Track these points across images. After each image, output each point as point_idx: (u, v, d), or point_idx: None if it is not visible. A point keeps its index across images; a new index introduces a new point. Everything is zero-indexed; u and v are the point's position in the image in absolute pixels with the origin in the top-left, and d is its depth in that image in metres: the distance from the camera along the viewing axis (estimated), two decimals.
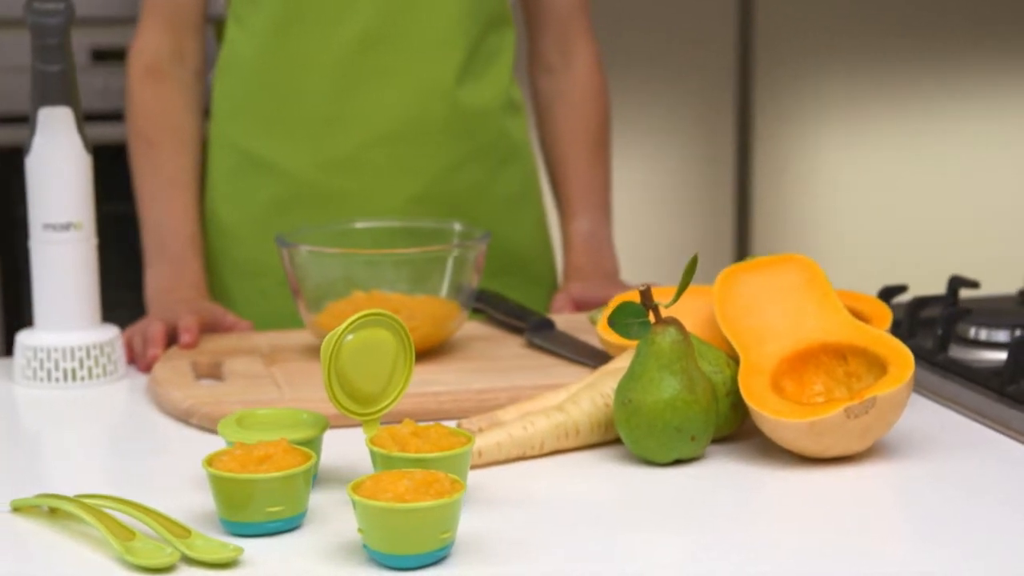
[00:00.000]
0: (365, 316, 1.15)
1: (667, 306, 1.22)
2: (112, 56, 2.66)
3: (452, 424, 1.25)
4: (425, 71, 1.74)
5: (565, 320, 1.61)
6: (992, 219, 3.41)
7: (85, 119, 1.49)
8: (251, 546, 1.05)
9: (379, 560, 1.02)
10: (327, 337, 1.13)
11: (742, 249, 3.36)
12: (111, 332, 1.51)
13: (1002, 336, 1.45)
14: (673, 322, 1.21)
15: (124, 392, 1.49)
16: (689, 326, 1.29)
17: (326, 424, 1.19)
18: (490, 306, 1.62)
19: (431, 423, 1.15)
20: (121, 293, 2.01)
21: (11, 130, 2.64)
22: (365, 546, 1.03)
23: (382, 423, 1.17)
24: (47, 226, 1.48)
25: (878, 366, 1.23)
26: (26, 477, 1.25)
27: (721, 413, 1.25)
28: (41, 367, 1.48)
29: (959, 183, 3.40)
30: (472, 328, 1.59)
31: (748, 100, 3.31)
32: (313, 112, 1.75)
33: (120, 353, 1.51)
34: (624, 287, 1.74)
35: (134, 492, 1.13)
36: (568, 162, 1.84)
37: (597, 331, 1.40)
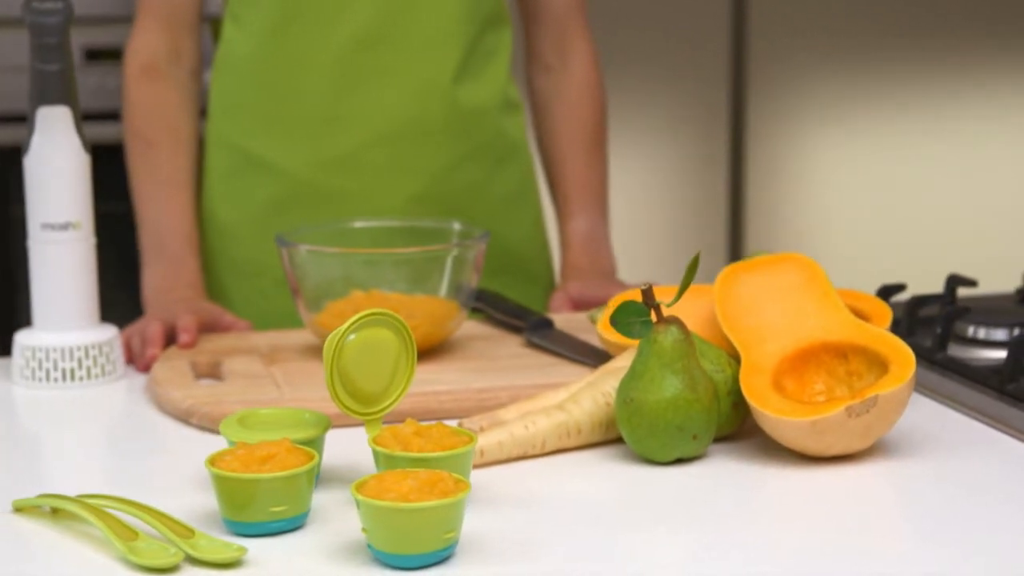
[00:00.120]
0: (367, 316, 1.15)
1: (669, 305, 1.22)
2: (106, 55, 2.65)
3: (453, 424, 1.25)
4: (423, 70, 1.74)
5: (564, 319, 1.61)
6: (987, 218, 3.42)
7: None
8: (254, 546, 1.05)
9: (383, 560, 1.02)
10: (329, 337, 1.13)
11: (736, 248, 3.36)
12: (110, 332, 1.50)
13: (1001, 335, 1.45)
14: (675, 321, 1.21)
15: (123, 392, 1.49)
16: (689, 325, 1.29)
17: (328, 424, 1.19)
18: (489, 305, 1.62)
19: (433, 422, 1.15)
20: (117, 292, 2.01)
21: (9, 129, 2.63)
22: (369, 546, 1.03)
23: (384, 423, 1.17)
24: (46, 226, 1.47)
25: (879, 365, 1.23)
26: (26, 477, 1.25)
27: (722, 412, 1.25)
28: (40, 367, 1.48)
29: (953, 182, 3.41)
30: (471, 328, 1.59)
31: (742, 99, 3.31)
32: (311, 111, 1.74)
33: (119, 353, 1.51)
34: (622, 286, 1.74)
35: (135, 492, 1.13)
36: (565, 161, 1.84)
37: (597, 330, 1.40)
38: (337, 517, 1.11)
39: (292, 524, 1.08)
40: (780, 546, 1.07)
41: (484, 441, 1.21)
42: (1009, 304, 1.62)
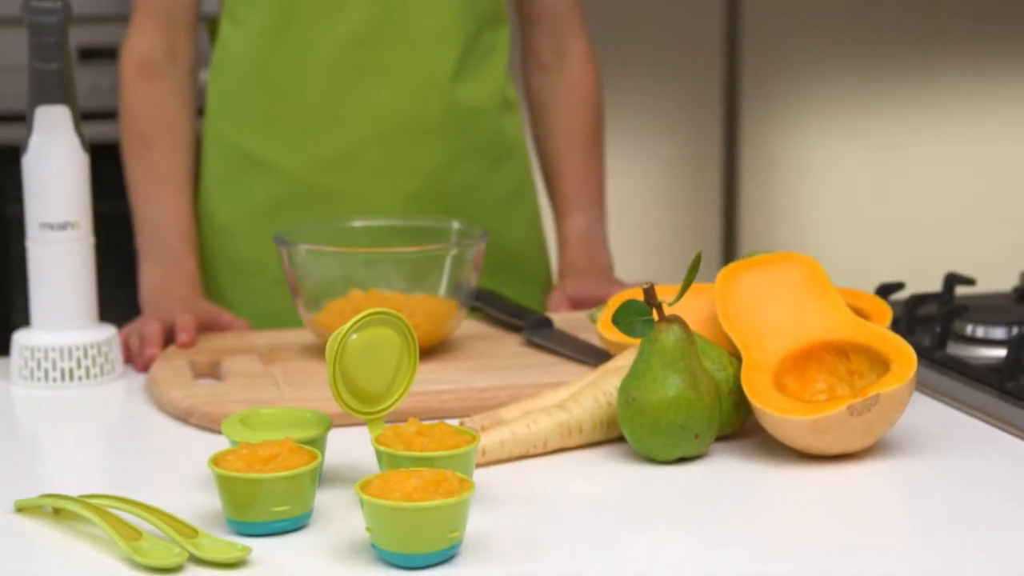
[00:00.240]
0: (369, 315, 1.14)
1: (670, 304, 1.22)
2: (100, 55, 2.65)
3: (455, 423, 1.25)
4: (421, 68, 1.74)
5: (562, 318, 1.61)
6: (982, 217, 3.42)
7: None
8: (258, 545, 1.05)
9: (388, 559, 1.02)
10: (332, 336, 1.13)
11: (729, 247, 3.37)
12: (108, 331, 1.50)
13: (999, 333, 1.45)
14: (677, 320, 1.21)
15: (122, 392, 1.48)
16: (689, 324, 1.29)
17: (330, 423, 1.19)
18: (487, 305, 1.62)
19: (435, 422, 1.15)
20: (116, 292, 2.01)
21: (7, 129, 2.62)
22: (373, 545, 1.02)
23: (385, 422, 1.17)
24: (44, 225, 1.47)
25: (880, 363, 1.23)
26: (26, 477, 1.25)
27: (724, 411, 1.25)
28: (39, 367, 1.47)
29: (947, 181, 3.41)
30: (470, 327, 1.59)
31: (735, 98, 3.32)
32: (309, 110, 1.74)
33: (117, 353, 1.51)
34: (620, 285, 1.74)
35: (136, 492, 1.13)
36: (562, 160, 1.84)
37: (598, 329, 1.40)
38: (340, 517, 1.11)
39: (295, 524, 1.08)
40: (782, 544, 1.07)
41: (486, 440, 1.21)
42: (1007, 302, 1.63)
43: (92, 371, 1.48)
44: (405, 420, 1.16)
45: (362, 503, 1.02)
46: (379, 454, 1.13)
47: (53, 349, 1.47)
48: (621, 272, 1.86)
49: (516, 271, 1.83)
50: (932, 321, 1.47)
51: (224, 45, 1.78)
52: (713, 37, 3.28)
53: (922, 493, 1.18)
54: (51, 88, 1.45)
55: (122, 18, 1.81)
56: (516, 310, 1.58)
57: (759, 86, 3.31)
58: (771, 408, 1.20)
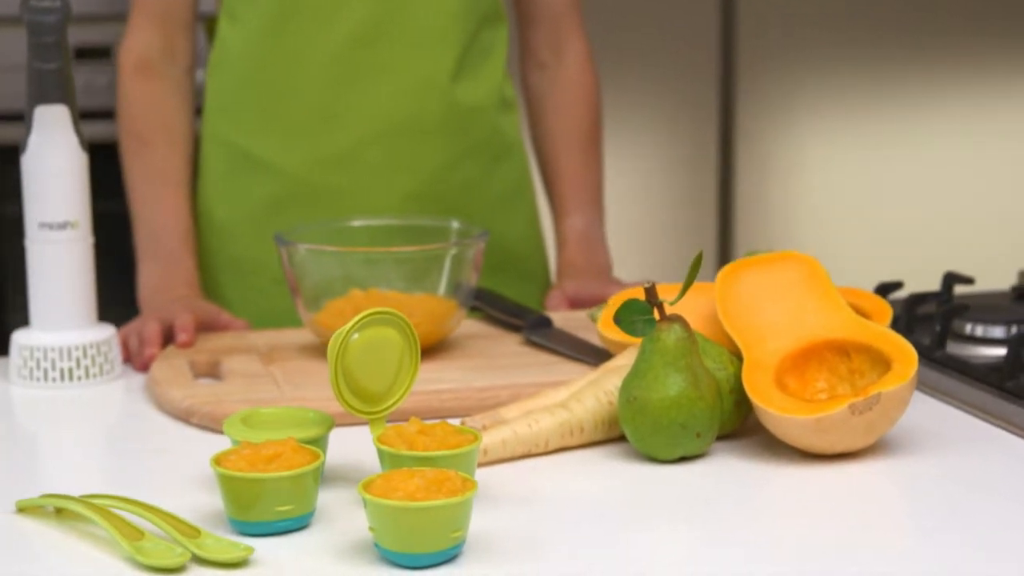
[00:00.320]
0: (371, 315, 1.14)
1: (672, 303, 1.22)
2: (95, 54, 2.64)
3: (456, 422, 1.24)
4: (420, 68, 1.74)
5: (561, 317, 1.61)
6: (980, 216, 3.42)
7: None
8: (260, 545, 1.05)
9: (391, 559, 1.02)
10: (334, 336, 1.13)
11: (726, 247, 3.37)
12: (108, 331, 1.50)
13: (999, 332, 1.46)
14: (678, 319, 1.21)
15: (121, 392, 1.48)
16: (690, 323, 1.29)
17: (332, 423, 1.19)
18: (487, 304, 1.62)
19: (436, 421, 1.15)
20: (115, 292, 2.00)
21: (6, 128, 2.62)
22: (376, 545, 1.02)
23: (387, 422, 1.17)
24: (43, 225, 1.47)
25: (882, 362, 1.23)
26: (26, 478, 1.25)
27: (725, 410, 1.25)
28: (38, 367, 1.47)
29: (943, 179, 3.42)
30: (469, 326, 1.59)
31: (731, 97, 3.32)
32: (308, 109, 1.74)
33: (116, 352, 1.51)
34: (618, 284, 1.74)
35: (137, 492, 1.13)
36: (560, 159, 1.84)
37: (598, 329, 1.40)
38: (343, 516, 1.11)
39: (298, 523, 1.08)
40: (783, 543, 1.07)
41: (488, 440, 1.21)
42: (1006, 301, 1.63)
43: (91, 371, 1.48)
44: (406, 420, 1.16)
45: (365, 503, 1.02)
46: (381, 454, 1.13)
47: (52, 349, 1.47)
48: (618, 271, 1.86)
49: (514, 270, 1.83)
50: (931, 320, 1.47)
51: (222, 44, 1.78)
52: (709, 37, 3.29)
53: (923, 492, 1.18)
54: (50, 87, 1.45)
55: (117, 17, 1.81)
56: (516, 309, 1.58)
57: (755, 85, 3.32)
58: (773, 407, 1.20)
